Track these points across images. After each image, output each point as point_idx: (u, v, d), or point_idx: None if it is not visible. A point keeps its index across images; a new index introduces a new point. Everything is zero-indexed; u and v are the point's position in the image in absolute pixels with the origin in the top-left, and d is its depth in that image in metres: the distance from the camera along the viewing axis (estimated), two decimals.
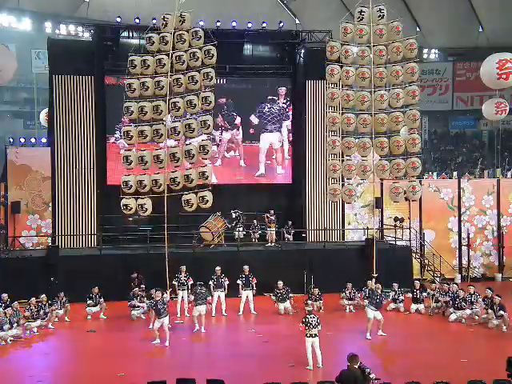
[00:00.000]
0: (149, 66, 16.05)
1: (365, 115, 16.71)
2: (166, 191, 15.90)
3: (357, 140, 16.99)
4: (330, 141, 17.26)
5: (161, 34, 16.16)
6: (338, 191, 17.09)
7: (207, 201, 15.97)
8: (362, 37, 16.85)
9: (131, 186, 16.04)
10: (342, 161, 17.08)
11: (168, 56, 16.01)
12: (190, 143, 16.37)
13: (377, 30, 16.68)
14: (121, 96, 16.65)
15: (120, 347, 14.57)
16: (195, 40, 16.07)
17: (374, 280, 16.64)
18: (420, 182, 17.99)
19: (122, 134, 16.31)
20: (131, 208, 16.04)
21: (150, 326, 15.61)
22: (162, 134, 16.05)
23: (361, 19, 16.82)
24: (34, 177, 22.54)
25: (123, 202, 16.00)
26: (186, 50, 16.05)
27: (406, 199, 17.98)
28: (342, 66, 16.94)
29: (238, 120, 24.55)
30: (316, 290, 18.09)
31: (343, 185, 17.31)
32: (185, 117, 16.34)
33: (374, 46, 16.69)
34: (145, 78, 16.17)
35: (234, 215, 22.25)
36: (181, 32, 16.05)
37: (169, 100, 15.96)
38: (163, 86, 15.99)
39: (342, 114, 16.94)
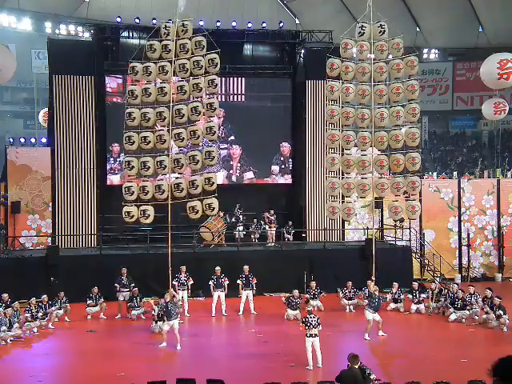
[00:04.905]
0: (151, 72, 15.86)
1: (364, 133, 16.65)
2: (169, 198, 15.51)
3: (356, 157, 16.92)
4: (329, 158, 17.13)
5: (163, 42, 15.97)
6: (337, 209, 17.00)
7: (213, 208, 15.65)
8: (363, 53, 16.80)
9: (133, 191, 15.51)
10: (342, 178, 16.99)
11: (171, 63, 15.78)
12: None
13: (378, 46, 16.62)
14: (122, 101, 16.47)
15: (120, 347, 14.58)
16: (198, 50, 15.91)
17: (372, 283, 16.61)
18: (420, 182, 17.94)
19: (123, 140, 15.88)
20: (133, 215, 15.50)
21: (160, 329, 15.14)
22: (165, 140, 15.65)
23: (362, 35, 16.75)
24: (33, 177, 22.52)
25: (125, 209, 15.53)
26: (190, 57, 15.78)
27: (407, 197, 17.96)
28: (342, 83, 16.83)
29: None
30: (313, 283, 18.09)
31: (342, 202, 17.22)
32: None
33: (374, 62, 16.63)
34: (148, 84, 15.91)
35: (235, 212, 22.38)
36: (183, 41, 15.80)
37: (173, 106, 15.64)
38: (166, 93, 15.67)
39: (342, 131, 16.88)
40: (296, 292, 17.08)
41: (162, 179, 16.06)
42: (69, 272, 19.02)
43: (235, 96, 24.78)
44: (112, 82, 23.73)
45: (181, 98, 15.82)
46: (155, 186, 15.60)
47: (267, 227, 22.37)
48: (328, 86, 16.88)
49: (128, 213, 15.55)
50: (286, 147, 24.87)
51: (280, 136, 24.79)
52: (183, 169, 15.78)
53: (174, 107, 15.64)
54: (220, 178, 23.77)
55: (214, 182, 15.67)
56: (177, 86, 15.77)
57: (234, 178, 24.60)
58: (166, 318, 14.48)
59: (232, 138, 24.45)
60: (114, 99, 23.73)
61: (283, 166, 24.92)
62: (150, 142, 15.67)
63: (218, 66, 15.85)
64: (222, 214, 21.62)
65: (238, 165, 24.62)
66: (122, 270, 17.99)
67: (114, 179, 23.54)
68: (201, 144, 16.25)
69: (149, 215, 15.63)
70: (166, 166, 15.65)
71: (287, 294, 17.50)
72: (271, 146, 24.58)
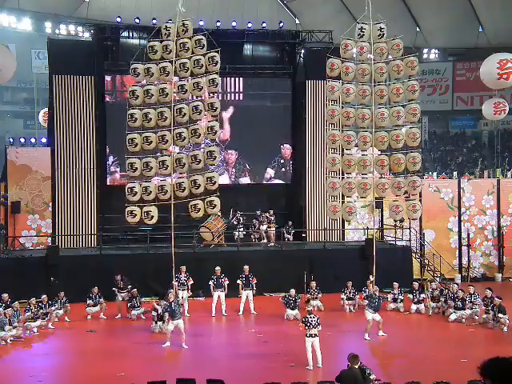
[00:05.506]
0: (153, 73, 15.82)
1: (365, 133, 16.64)
2: (172, 198, 15.55)
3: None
4: (329, 158, 17.10)
5: (163, 43, 15.98)
6: (338, 209, 16.99)
7: (215, 205, 15.65)
8: (362, 54, 16.79)
9: (136, 192, 15.57)
10: (342, 178, 16.97)
11: (172, 63, 15.78)
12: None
13: (377, 47, 16.61)
14: (121, 99, 16.48)
15: (120, 347, 14.56)
16: (198, 48, 15.91)
17: (372, 284, 16.60)
18: (420, 182, 17.91)
19: (126, 142, 15.81)
20: (136, 215, 15.56)
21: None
22: (167, 141, 15.73)
23: (361, 36, 16.75)
24: (33, 177, 22.51)
25: (128, 208, 15.61)
26: (190, 57, 15.80)
27: (407, 197, 17.97)
28: (342, 83, 16.76)
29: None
30: (313, 283, 18.11)
31: (343, 202, 17.20)
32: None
33: (374, 63, 16.61)
34: (149, 85, 15.91)
35: (231, 216, 22.30)
36: (184, 40, 15.80)
37: (174, 106, 15.66)
38: (167, 93, 15.68)
39: (342, 131, 16.87)
40: (293, 291, 17.09)
41: (156, 180, 16.04)
42: (69, 272, 19.02)
43: (233, 95, 24.72)
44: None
45: (181, 97, 15.83)
46: (158, 186, 15.63)
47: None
48: (328, 86, 16.88)
49: (131, 212, 15.57)
50: (287, 149, 24.81)
51: (280, 136, 24.75)
52: (185, 168, 15.79)
53: (175, 107, 15.64)
54: (219, 178, 23.77)
55: (215, 181, 15.74)
56: (177, 85, 15.79)
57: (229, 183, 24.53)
58: (170, 318, 14.51)
59: (228, 137, 24.36)
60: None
61: (283, 169, 24.86)
62: (151, 142, 15.69)
63: (219, 64, 15.85)
64: (219, 214, 21.58)
65: (234, 170, 24.56)
66: (116, 276, 17.99)
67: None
68: (202, 143, 16.28)
69: (152, 216, 15.65)
70: (168, 166, 15.67)
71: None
72: (270, 148, 24.52)
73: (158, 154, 15.99)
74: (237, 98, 24.75)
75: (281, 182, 25.03)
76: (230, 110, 24.27)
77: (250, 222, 22.71)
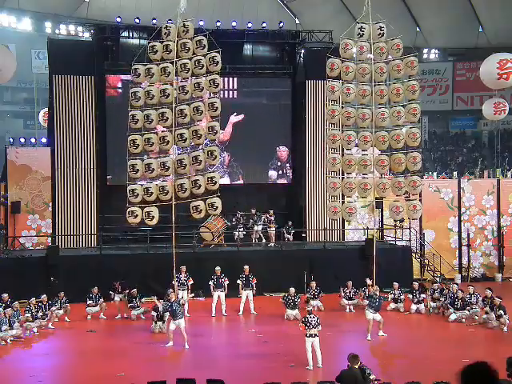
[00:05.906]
0: (153, 74, 15.82)
1: (365, 132, 16.64)
2: (173, 199, 15.52)
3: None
4: (329, 158, 17.09)
5: (164, 43, 15.93)
6: (338, 209, 16.96)
7: (216, 207, 15.66)
8: (362, 54, 16.79)
9: (138, 194, 15.56)
10: (342, 178, 16.96)
11: (172, 64, 15.74)
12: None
13: (377, 47, 16.61)
14: (122, 98, 16.41)
15: (120, 347, 14.56)
16: (199, 49, 15.89)
17: (371, 286, 16.58)
18: (421, 181, 17.90)
19: (128, 143, 15.80)
20: (137, 215, 15.53)
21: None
22: (168, 141, 15.69)
23: (361, 35, 16.74)
24: (33, 177, 22.51)
25: (129, 208, 15.58)
26: (191, 57, 15.76)
27: (407, 197, 17.96)
28: (342, 83, 16.73)
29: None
30: (313, 283, 18.11)
31: (343, 203, 17.19)
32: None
33: (374, 62, 16.60)
34: (150, 86, 15.90)
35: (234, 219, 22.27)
36: (184, 40, 15.77)
37: (175, 107, 15.66)
38: (169, 94, 15.65)
39: (343, 131, 16.86)
40: (292, 290, 17.11)
41: (157, 180, 16.05)
42: (69, 272, 19.03)
43: (232, 95, 24.66)
44: None
45: (183, 97, 15.81)
46: (159, 187, 15.62)
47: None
48: (328, 86, 16.87)
49: (132, 212, 15.56)
50: (283, 151, 24.76)
51: (279, 136, 24.72)
52: (186, 169, 15.76)
53: (177, 108, 15.63)
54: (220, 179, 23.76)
55: (216, 182, 15.73)
56: (178, 86, 15.78)
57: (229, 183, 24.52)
58: (172, 318, 14.53)
59: (228, 138, 24.29)
60: None
61: (280, 172, 24.84)
62: (153, 143, 15.69)
63: (219, 64, 15.84)
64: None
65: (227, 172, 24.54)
66: (115, 283, 17.92)
67: None
68: (203, 144, 16.27)
69: (153, 217, 15.65)
70: (169, 168, 15.66)
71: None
72: (269, 149, 24.49)
73: (146, 156, 16.00)
74: (236, 98, 24.72)
75: (281, 182, 25.04)
76: (240, 116, 24.19)
77: (249, 222, 22.71)
